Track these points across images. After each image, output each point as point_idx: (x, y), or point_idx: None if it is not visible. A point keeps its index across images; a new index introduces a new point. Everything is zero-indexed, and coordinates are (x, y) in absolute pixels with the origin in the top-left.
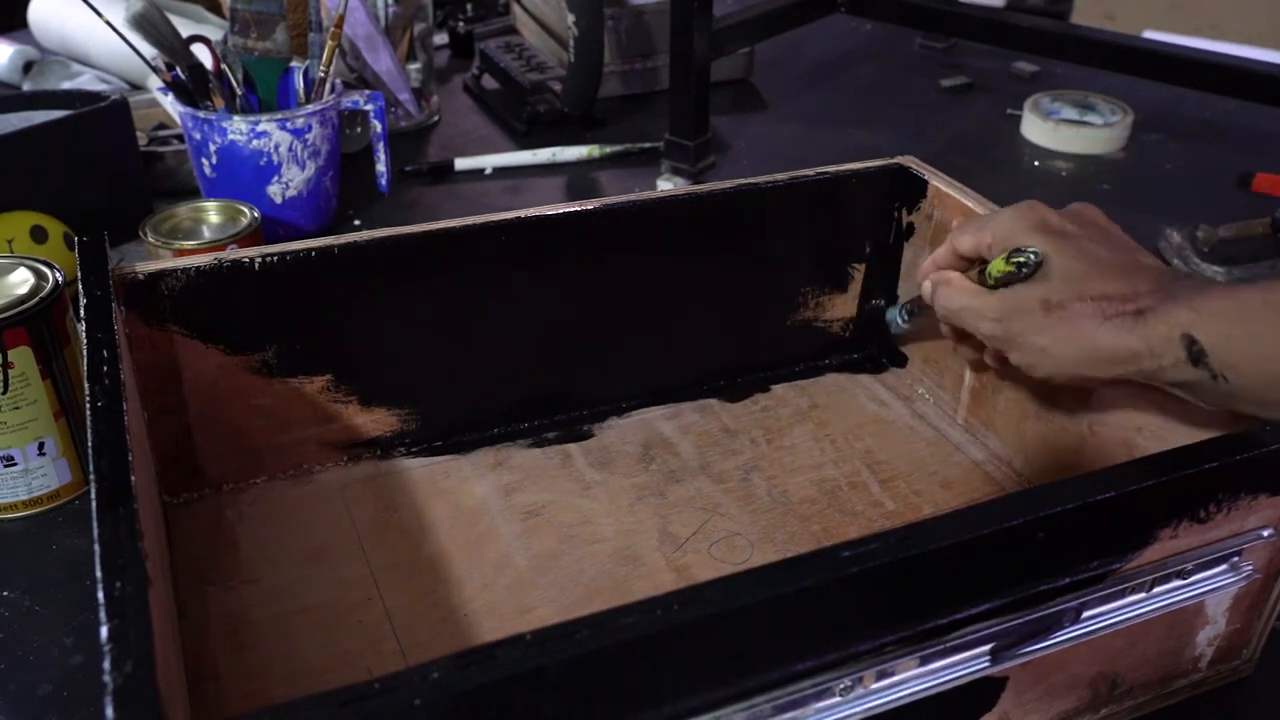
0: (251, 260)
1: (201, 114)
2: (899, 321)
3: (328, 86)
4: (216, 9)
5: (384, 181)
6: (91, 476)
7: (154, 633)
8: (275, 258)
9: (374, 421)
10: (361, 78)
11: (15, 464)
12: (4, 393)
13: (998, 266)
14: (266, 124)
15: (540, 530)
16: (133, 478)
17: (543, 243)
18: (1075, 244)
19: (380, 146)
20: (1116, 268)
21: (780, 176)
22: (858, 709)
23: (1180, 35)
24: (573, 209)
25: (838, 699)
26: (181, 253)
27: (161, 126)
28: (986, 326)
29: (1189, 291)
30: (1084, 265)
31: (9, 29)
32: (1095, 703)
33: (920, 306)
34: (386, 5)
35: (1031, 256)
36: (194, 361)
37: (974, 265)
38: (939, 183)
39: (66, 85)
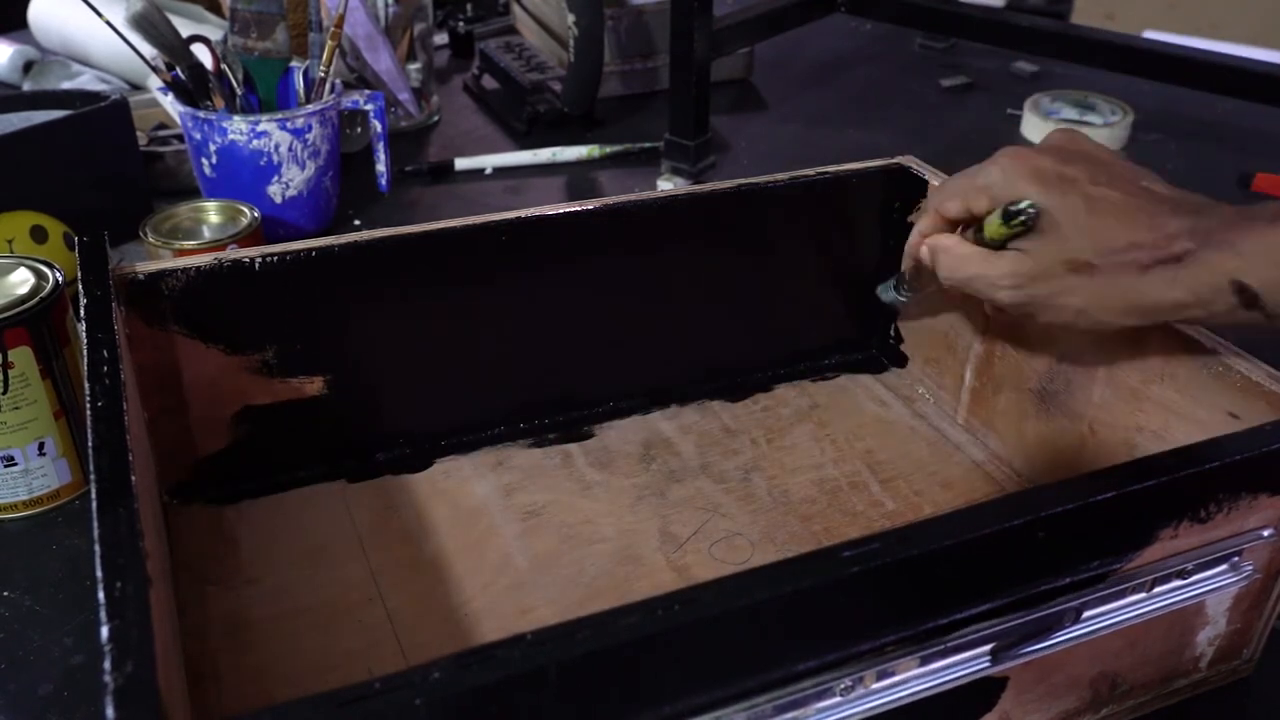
0: (251, 260)
1: (201, 114)
2: (897, 296)
3: (328, 86)
4: (216, 9)
5: (384, 181)
6: (91, 476)
7: (154, 632)
8: (275, 258)
9: (374, 421)
10: (361, 78)
11: (15, 464)
12: (4, 393)
13: (995, 229)
14: (266, 124)
15: (541, 530)
16: (133, 477)
17: (543, 243)
18: (1080, 190)
19: (380, 146)
20: (1135, 211)
21: (780, 176)
22: (858, 709)
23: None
24: (573, 209)
25: (838, 699)
26: (181, 253)
27: (161, 126)
28: (1006, 295)
29: (1226, 229)
30: (1099, 214)
31: (9, 29)
32: (1095, 703)
33: (916, 278)
34: (386, 5)
35: (1030, 211)
36: (194, 361)
37: (966, 227)
38: (939, 183)
39: (66, 85)
